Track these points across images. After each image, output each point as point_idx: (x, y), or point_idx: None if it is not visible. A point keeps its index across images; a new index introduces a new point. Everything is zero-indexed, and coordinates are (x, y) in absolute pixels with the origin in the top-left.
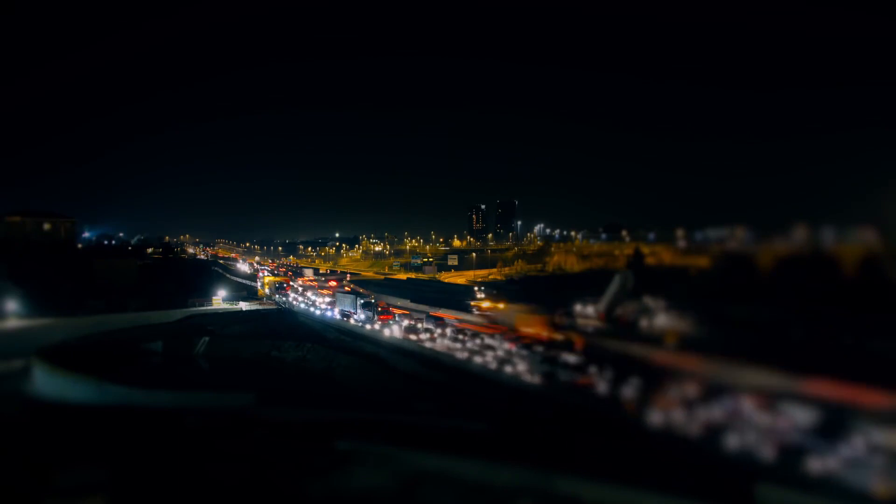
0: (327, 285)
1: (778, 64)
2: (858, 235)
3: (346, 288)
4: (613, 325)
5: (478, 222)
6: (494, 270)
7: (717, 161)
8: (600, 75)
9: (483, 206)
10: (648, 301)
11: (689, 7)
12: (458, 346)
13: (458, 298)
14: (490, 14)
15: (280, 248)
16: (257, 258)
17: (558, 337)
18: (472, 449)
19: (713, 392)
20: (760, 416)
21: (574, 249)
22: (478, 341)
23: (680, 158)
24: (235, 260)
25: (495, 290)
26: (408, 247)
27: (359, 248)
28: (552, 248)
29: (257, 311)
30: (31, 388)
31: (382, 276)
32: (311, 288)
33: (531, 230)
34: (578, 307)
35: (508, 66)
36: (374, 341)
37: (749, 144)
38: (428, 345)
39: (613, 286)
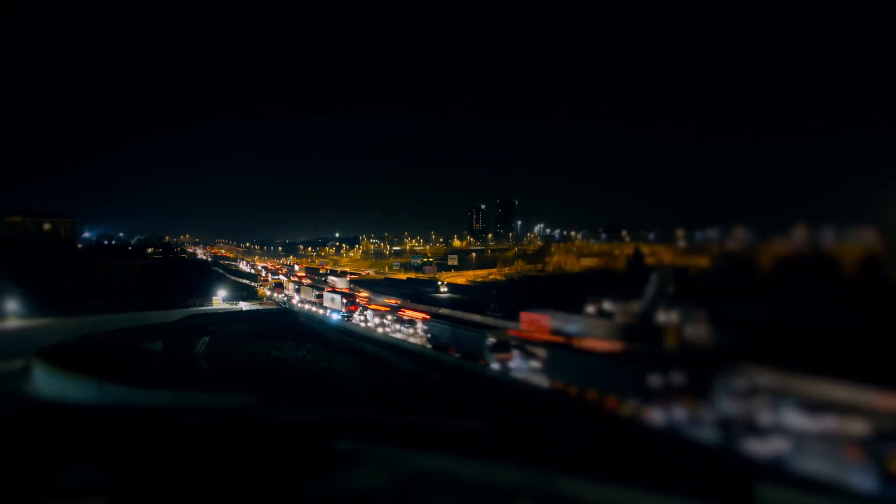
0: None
1: (778, 67)
2: (858, 235)
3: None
4: (644, 331)
5: (478, 222)
6: (494, 270)
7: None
8: (600, 79)
9: (483, 206)
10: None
11: (690, 11)
12: None
13: None
14: (491, 19)
15: (280, 248)
16: (284, 261)
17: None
18: (472, 449)
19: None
20: (763, 416)
21: (574, 249)
22: None
23: (679, 163)
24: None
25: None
26: (408, 247)
27: (359, 248)
28: (552, 248)
29: (257, 311)
30: (31, 388)
31: (382, 276)
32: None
33: (531, 230)
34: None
35: (508, 71)
36: (373, 341)
37: (749, 150)
38: None
39: (652, 286)
